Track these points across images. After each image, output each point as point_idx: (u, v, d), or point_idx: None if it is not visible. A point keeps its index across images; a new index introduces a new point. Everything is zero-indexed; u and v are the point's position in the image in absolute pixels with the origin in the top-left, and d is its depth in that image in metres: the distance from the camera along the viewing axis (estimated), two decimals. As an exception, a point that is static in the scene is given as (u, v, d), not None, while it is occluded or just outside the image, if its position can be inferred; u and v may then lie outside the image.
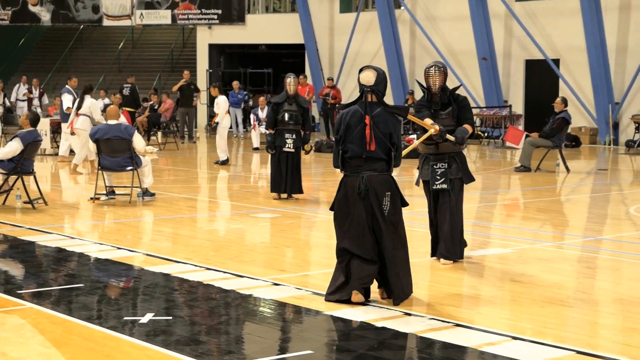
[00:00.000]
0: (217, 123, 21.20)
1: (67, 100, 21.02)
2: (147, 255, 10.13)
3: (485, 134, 29.98)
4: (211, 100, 36.69)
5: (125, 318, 7.34)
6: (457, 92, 9.86)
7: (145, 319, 7.24)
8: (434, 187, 9.70)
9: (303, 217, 13.40)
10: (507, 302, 8.09)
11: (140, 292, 8.49)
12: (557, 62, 29.26)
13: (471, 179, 9.83)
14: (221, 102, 21.35)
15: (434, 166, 9.70)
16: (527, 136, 20.78)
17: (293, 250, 10.80)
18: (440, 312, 7.55)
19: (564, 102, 20.00)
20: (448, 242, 9.61)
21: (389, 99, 8.21)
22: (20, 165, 13.54)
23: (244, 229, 12.48)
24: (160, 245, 10.94)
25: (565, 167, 19.75)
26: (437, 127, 9.41)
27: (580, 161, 23.81)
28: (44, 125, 22.76)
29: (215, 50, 39.01)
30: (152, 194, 14.73)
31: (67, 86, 21.63)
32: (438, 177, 9.68)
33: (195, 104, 29.98)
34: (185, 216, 13.51)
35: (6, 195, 13.79)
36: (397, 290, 7.85)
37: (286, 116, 14.71)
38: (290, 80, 14.82)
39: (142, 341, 6.63)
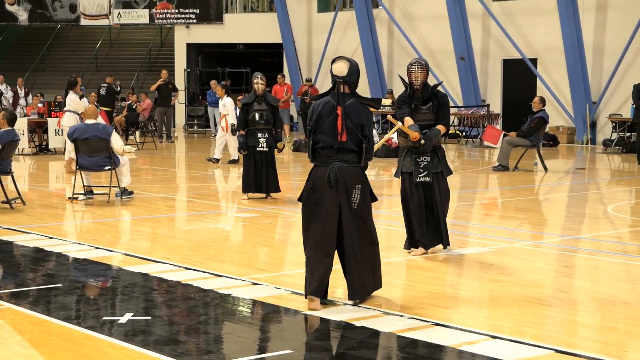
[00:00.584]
0: (233, 125, 20.95)
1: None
2: (126, 255, 10.10)
3: (464, 133, 30.04)
4: (189, 100, 36.85)
5: (104, 318, 7.31)
6: (437, 89, 10.03)
7: (124, 318, 7.22)
8: (418, 180, 9.83)
9: (281, 216, 13.39)
10: (486, 301, 8.11)
11: (119, 292, 8.46)
12: (534, 61, 29.35)
13: (450, 172, 10.06)
14: (228, 104, 21.31)
15: (417, 159, 9.86)
16: (505, 135, 20.83)
17: (271, 249, 10.79)
18: (419, 312, 7.55)
19: (542, 101, 20.07)
20: (435, 233, 9.87)
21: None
22: (-2, 165, 13.51)
23: (222, 229, 12.47)
24: (138, 245, 10.91)
25: (543, 166, 19.81)
26: (416, 134, 9.55)
27: (558, 160, 23.88)
28: (21, 125, 22.67)
29: (193, 49, 38.97)
30: (130, 193, 14.70)
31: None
32: (421, 170, 9.83)
33: (173, 103, 29.90)
34: (164, 216, 13.48)
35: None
36: (355, 284, 7.69)
37: (257, 116, 14.65)
38: (258, 80, 14.75)
39: (121, 341, 6.61)
